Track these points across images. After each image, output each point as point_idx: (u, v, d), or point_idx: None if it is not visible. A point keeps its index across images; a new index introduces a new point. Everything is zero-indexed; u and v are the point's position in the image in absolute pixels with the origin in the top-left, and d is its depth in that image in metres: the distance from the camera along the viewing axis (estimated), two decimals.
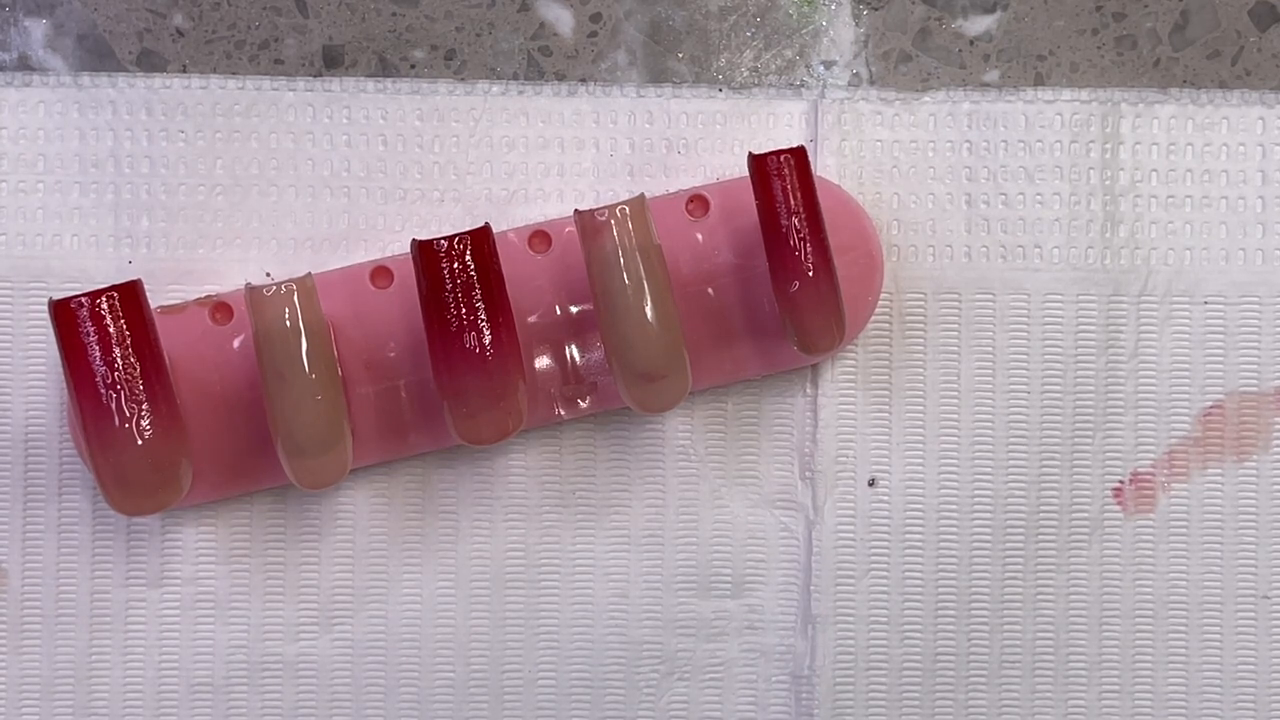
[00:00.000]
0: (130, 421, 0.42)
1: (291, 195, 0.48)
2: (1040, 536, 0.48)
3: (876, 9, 0.49)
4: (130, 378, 0.42)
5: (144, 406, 0.42)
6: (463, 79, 0.48)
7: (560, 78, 0.49)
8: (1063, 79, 0.49)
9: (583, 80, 0.49)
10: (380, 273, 0.47)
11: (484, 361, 0.43)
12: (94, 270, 0.48)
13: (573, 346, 0.47)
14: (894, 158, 0.48)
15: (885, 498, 0.48)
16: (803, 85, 0.49)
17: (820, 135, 0.48)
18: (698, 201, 0.47)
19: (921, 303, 0.48)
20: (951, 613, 0.48)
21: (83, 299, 0.42)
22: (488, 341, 0.43)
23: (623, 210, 0.44)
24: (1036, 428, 0.48)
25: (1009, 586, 0.48)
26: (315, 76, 0.48)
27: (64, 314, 0.42)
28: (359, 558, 0.48)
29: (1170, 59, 0.49)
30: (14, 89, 0.48)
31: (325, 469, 0.44)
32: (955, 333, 0.48)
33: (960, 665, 0.48)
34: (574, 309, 0.47)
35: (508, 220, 0.48)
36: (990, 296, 0.48)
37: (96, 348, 0.42)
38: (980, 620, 0.48)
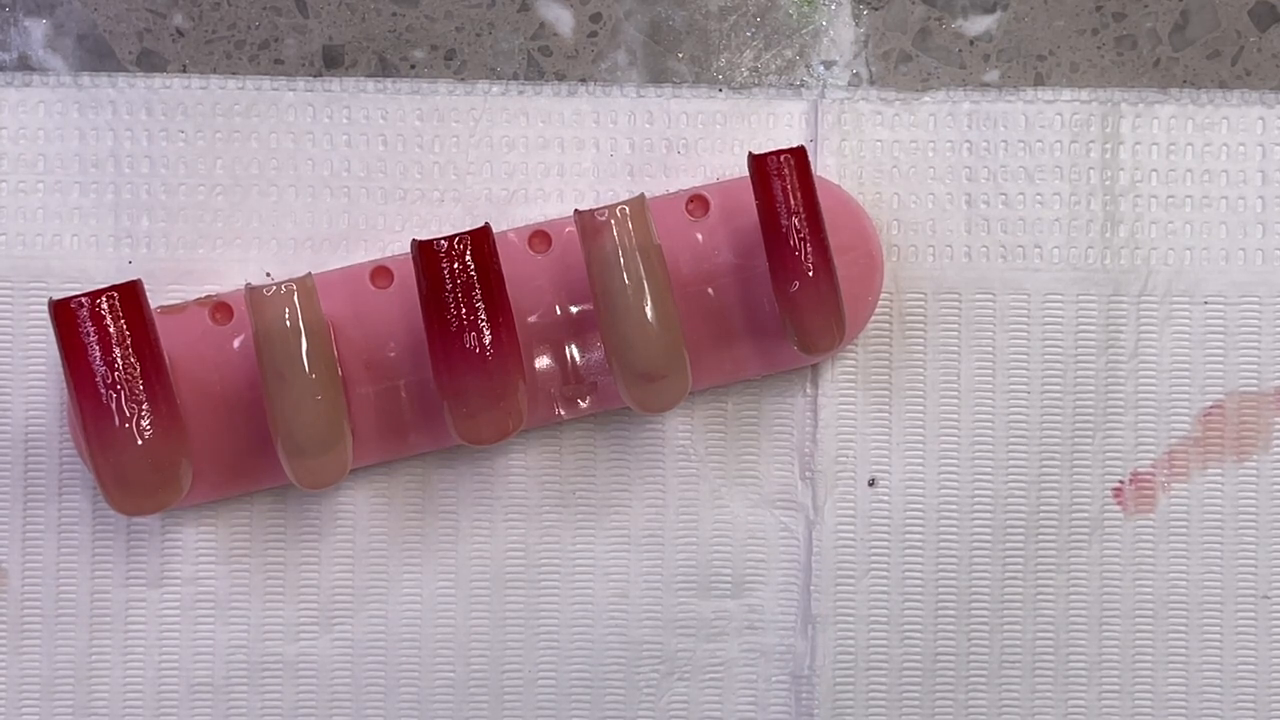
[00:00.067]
0: (130, 421, 0.42)
1: (291, 195, 0.48)
2: (1040, 536, 0.48)
3: (876, 9, 0.49)
4: (130, 378, 0.42)
5: (144, 406, 0.42)
6: (463, 79, 0.48)
7: (560, 78, 0.49)
8: (1063, 79, 0.49)
9: (583, 80, 0.49)
10: (380, 273, 0.47)
11: (484, 361, 0.43)
12: (94, 270, 0.48)
13: (573, 346, 0.47)
14: (894, 158, 0.48)
15: (885, 498, 0.48)
16: (803, 85, 0.49)
17: (820, 135, 0.48)
18: (698, 201, 0.47)
19: (921, 303, 0.48)
20: (951, 613, 0.48)
21: (83, 299, 0.42)
22: (488, 341, 0.43)
23: (623, 210, 0.44)
24: (1036, 428, 0.48)
25: (1009, 586, 0.48)
26: (315, 76, 0.48)
27: (64, 314, 0.42)
28: (359, 558, 0.48)
29: (1170, 59, 0.49)
30: (14, 89, 0.48)
31: (325, 469, 0.44)
32: (955, 333, 0.48)
33: (960, 665, 0.48)
34: (574, 309, 0.47)
35: (508, 220, 0.48)
36: (990, 296, 0.48)
37: (96, 348, 0.42)
38: (980, 620, 0.48)
